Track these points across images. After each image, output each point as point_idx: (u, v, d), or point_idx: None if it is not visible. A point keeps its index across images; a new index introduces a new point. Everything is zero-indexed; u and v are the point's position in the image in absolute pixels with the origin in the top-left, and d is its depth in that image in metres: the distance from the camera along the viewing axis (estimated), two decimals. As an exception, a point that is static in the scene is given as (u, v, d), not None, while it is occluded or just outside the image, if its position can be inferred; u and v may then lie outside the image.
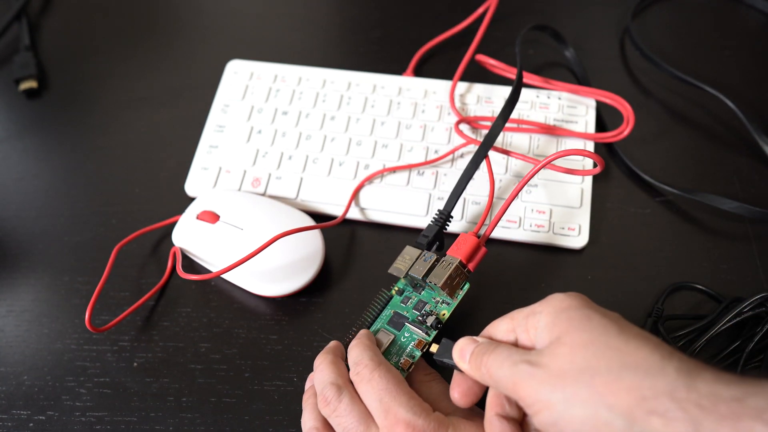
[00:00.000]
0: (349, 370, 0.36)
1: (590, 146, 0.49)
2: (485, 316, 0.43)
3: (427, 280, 0.39)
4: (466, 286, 0.39)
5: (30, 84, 0.56)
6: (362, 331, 0.39)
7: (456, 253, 0.39)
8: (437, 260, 0.40)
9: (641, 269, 0.45)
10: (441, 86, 0.53)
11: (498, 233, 0.46)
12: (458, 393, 0.34)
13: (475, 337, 0.34)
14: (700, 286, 0.43)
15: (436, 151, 0.50)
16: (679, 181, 0.48)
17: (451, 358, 0.34)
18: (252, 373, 0.42)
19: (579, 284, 0.44)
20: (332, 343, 0.39)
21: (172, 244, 0.47)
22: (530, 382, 0.29)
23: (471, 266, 0.39)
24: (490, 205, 0.44)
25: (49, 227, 0.49)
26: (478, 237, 0.40)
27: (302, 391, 0.41)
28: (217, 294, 0.45)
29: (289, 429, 0.40)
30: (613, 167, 0.50)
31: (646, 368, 0.26)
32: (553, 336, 0.29)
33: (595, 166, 0.44)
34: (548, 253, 0.46)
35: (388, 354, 0.38)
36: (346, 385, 0.35)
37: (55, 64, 0.59)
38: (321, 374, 0.36)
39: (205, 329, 0.44)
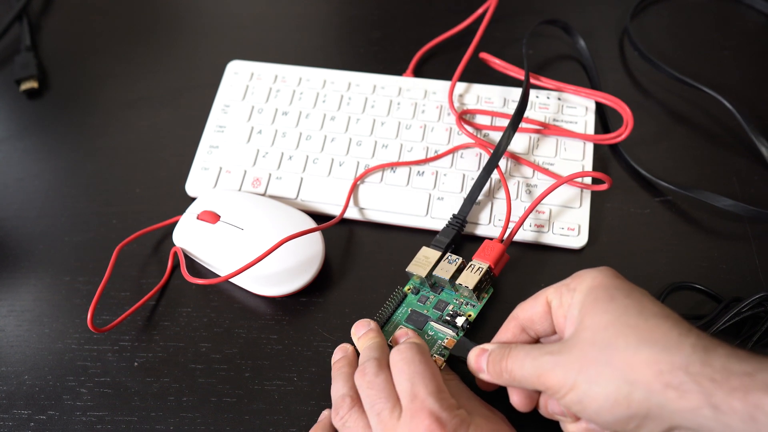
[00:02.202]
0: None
1: (589, 147, 0.49)
2: (485, 316, 0.43)
3: (457, 282, 0.40)
4: (491, 290, 0.42)
5: (31, 84, 0.57)
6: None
7: (484, 258, 0.42)
8: (464, 264, 0.41)
9: (641, 269, 0.45)
10: (441, 86, 0.53)
11: (498, 233, 0.46)
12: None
13: (483, 346, 0.36)
14: (700, 286, 0.43)
15: (435, 151, 0.50)
16: (679, 181, 0.48)
17: (465, 355, 0.36)
18: (252, 372, 0.42)
19: (578, 284, 0.44)
20: (375, 324, 0.40)
21: (172, 244, 0.47)
22: (555, 370, 0.30)
23: (496, 271, 0.42)
24: (510, 213, 0.45)
25: (50, 227, 0.49)
26: (501, 243, 0.43)
27: (303, 391, 0.41)
28: (217, 294, 0.45)
29: (289, 429, 0.40)
30: (613, 168, 0.50)
31: (663, 344, 0.28)
32: (580, 317, 0.31)
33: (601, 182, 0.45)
34: (548, 253, 0.46)
35: None
36: (386, 366, 0.36)
37: (55, 65, 0.59)
38: (369, 348, 0.37)
39: (206, 329, 0.44)
